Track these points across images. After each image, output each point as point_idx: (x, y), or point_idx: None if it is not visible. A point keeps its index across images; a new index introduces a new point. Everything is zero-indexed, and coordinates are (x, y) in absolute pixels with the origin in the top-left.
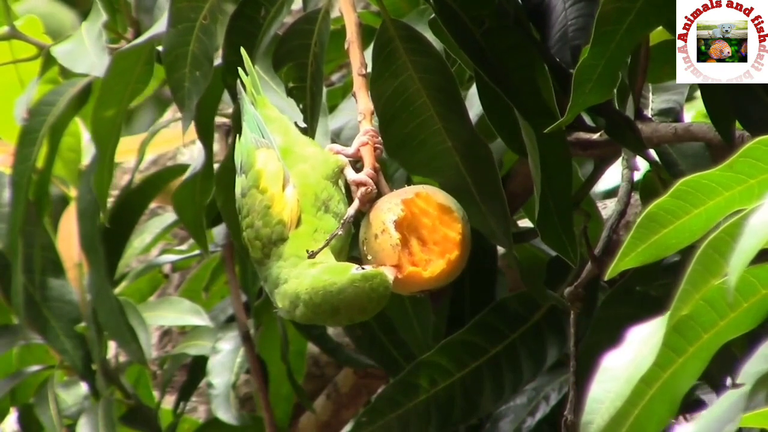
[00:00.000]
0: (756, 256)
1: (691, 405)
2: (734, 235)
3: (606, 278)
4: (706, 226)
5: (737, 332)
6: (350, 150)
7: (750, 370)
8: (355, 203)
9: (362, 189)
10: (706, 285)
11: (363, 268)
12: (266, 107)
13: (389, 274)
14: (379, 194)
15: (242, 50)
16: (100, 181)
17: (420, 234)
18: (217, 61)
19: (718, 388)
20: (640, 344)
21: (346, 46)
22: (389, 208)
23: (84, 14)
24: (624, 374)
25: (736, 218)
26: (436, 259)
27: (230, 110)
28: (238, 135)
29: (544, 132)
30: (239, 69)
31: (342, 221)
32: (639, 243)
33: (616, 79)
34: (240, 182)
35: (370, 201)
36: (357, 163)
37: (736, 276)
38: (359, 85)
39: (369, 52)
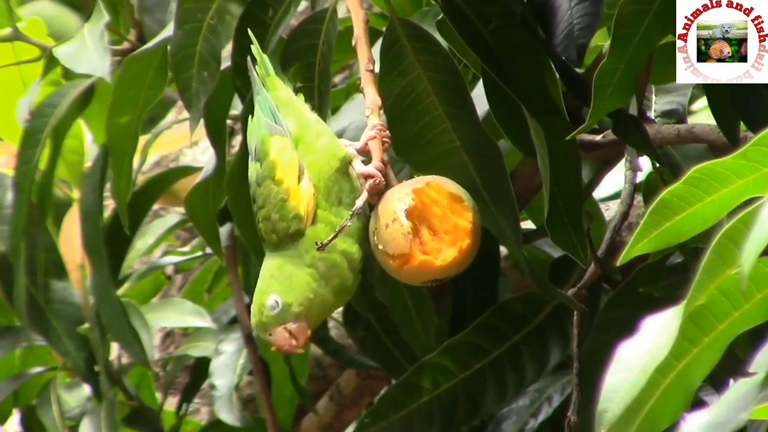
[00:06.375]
0: None
1: (694, 407)
2: (750, 225)
3: (618, 264)
4: (719, 213)
5: (751, 323)
6: (358, 144)
7: (762, 359)
8: (364, 195)
9: (370, 181)
10: (721, 275)
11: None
12: (277, 88)
13: None
14: (388, 186)
15: (249, 31)
16: (119, 188)
17: (431, 223)
18: (227, 63)
19: (722, 389)
20: (656, 334)
21: (353, 43)
22: (400, 198)
23: (88, 17)
24: (639, 364)
25: (752, 207)
26: (447, 247)
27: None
28: (250, 116)
29: (565, 139)
30: (251, 47)
31: (350, 213)
32: (652, 229)
33: (635, 82)
34: (254, 169)
35: (378, 193)
36: (364, 158)
37: (749, 265)
38: (367, 80)
39: (375, 53)
